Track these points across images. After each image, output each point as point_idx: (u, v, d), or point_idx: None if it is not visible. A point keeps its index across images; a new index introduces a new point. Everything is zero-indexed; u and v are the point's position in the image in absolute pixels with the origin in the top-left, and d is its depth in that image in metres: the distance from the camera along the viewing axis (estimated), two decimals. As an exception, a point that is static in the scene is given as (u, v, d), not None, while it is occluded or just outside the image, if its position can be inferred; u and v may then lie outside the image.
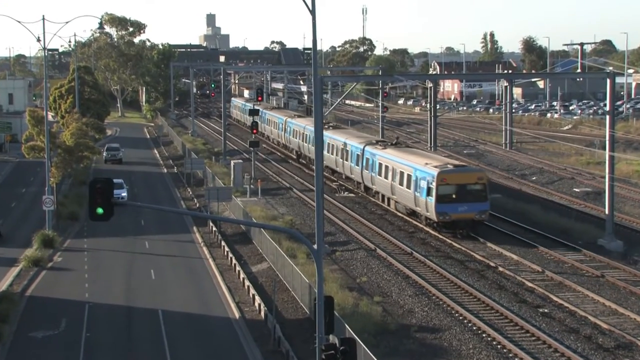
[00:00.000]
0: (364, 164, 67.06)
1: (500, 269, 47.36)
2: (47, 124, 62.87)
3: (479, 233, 54.81)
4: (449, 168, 55.30)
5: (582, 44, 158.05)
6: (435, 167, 55.28)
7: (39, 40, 64.75)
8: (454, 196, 53.91)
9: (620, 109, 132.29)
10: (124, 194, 68.93)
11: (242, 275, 47.97)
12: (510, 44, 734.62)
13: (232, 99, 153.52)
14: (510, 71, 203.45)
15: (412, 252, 51.27)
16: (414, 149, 69.80)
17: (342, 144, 72.97)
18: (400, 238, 55.26)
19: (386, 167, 62.17)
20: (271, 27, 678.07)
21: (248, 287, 45.53)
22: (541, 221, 59.31)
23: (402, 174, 59.02)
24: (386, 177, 62.11)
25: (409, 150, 65.03)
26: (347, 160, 71.60)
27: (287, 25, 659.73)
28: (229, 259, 52.42)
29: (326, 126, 78.46)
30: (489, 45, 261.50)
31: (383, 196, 64.63)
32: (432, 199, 54.03)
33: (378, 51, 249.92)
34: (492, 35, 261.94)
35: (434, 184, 53.71)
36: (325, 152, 74.91)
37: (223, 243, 56.03)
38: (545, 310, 40.09)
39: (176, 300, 44.26)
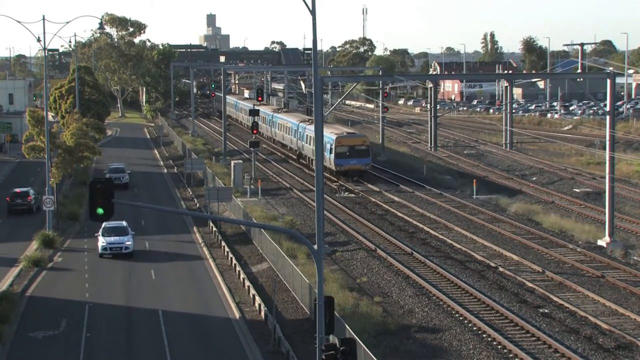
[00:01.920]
0: (298, 136, 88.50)
1: (501, 269, 47.37)
2: (47, 124, 62.82)
3: (364, 179, 76.93)
4: (344, 134, 78.66)
5: (582, 44, 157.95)
6: (336, 134, 77.86)
7: (39, 40, 64.79)
8: (347, 153, 76.57)
9: (621, 109, 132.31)
10: (129, 243, 54.46)
11: (242, 275, 47.95)
12: (511, 44, 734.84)
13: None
14: (510, 71, 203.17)
15: (412, 252, 51.29)
16: (330, 123, 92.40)
17: (287, 122, 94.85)
18: (400, 238, 55.26)
19: (309, 136, 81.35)
20: (271, 27, 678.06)
21: (248, 287, 45.51)
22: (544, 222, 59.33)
23: None
24: (309, 144, 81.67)
25: (325, 124, 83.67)
26: (287, 134, 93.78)
27: (287, 25, 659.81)
28: (229, 259, 52.39)
29: (279, 111, 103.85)
30: (489, 46, 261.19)
31: (307, 157, 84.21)
32: (332, 156, 76.28)
33: (378, 51, 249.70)
34: (492, 35, 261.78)
35: (334, 145, 76.06)
36: (277, 130, 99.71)
37: (223, 243, 55.98)
38: (546, 311, 40.10)
39: (176, 301, 44.25)
